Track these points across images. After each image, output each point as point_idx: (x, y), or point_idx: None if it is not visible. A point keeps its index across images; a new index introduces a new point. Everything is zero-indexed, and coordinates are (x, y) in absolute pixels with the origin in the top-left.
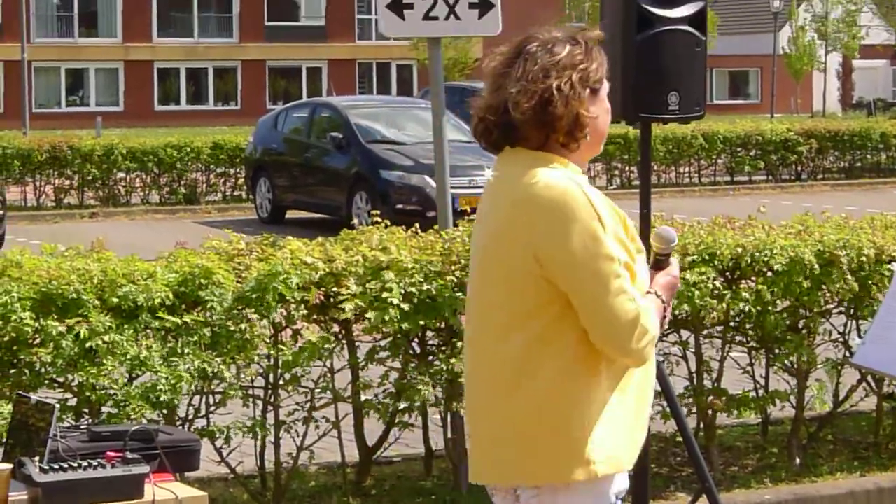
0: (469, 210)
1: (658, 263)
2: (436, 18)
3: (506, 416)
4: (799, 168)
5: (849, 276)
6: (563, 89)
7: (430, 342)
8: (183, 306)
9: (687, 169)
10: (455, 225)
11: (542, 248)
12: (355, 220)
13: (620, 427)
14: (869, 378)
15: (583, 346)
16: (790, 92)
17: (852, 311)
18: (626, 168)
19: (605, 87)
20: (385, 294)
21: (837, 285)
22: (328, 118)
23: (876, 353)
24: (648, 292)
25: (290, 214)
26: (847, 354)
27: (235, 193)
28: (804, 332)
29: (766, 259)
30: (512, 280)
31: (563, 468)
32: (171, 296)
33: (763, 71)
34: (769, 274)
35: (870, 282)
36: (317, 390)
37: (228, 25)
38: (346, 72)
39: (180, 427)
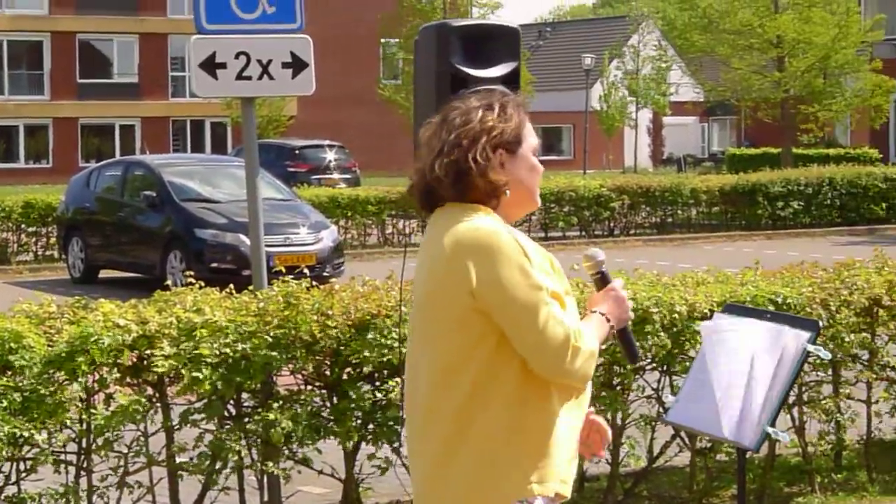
0: (284, 270)
1: (597, 284)
2: (249, 78)
3: (461, 454)
4: (612, 224)
5: (661, 333)
6: (478, 160)
7: (245, 404)
8: None
9: None
10: (270, 284)
11: (475, 281)
12: (169, 280)
13: (568, 449)
14: (682, 434)
15: (528, 373)
16: (602, 148)
17: (665, 367)
18: None
19: (529, 144)
20: (199, 355)
21: (651, 342)
22: (141, 176)
23: (689, 411)
24: (591, 312)
25: (104, 274)
26: (661, 410)
27: (47, 253)
28: (618, 388)
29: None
30: (451, 321)
31: (524, 489)
32: None
33: (576, 127)
34: None
35: (682, 338)
36: (130, 454)
37: (39, 82)
38: (160, 129)
39: None
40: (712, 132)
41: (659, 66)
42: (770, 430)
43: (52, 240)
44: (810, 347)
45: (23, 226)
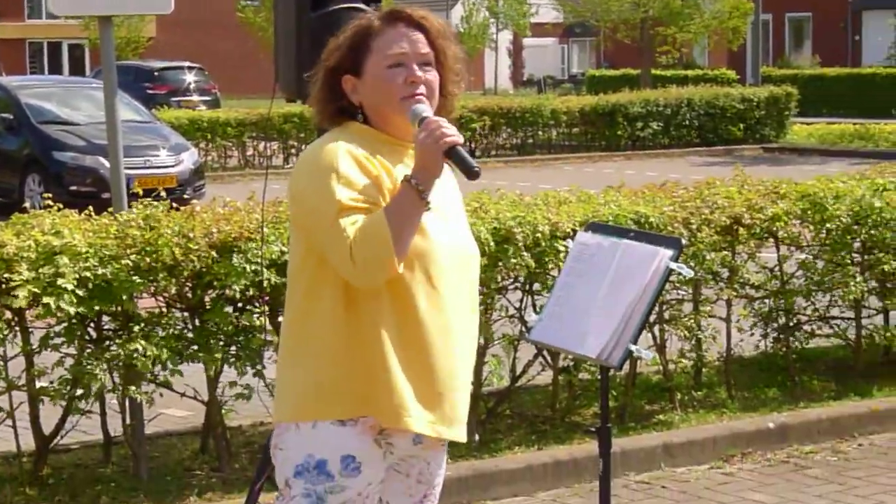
0: (141, 192)
1: None
2: None
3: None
4: (473, 145)
5: (524, 253)
6: (318, 92)
7: (106, 327)
8: None
9: None
10: (129, 207)
11: (290, 194)
12: (27, 203)
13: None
14: (545, 353)
15: (351, 292)
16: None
17: (528, 286)
18: (302, 146)
19: (376, 61)
20: (59, 280)
21: (514, 262)
22: None
23: (552, 330)
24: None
25: None
26: (523, 330)
27: None
28: (481, 308)
29: None
30: (292, 230)
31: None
32: None
33: None
34: None
35: (545, 258)
36: None
37: None
38: (17, 52)
39: None
40: (572, 54)
41: None
42: (633, 347)
43: None
44: (673, 265)
45: None
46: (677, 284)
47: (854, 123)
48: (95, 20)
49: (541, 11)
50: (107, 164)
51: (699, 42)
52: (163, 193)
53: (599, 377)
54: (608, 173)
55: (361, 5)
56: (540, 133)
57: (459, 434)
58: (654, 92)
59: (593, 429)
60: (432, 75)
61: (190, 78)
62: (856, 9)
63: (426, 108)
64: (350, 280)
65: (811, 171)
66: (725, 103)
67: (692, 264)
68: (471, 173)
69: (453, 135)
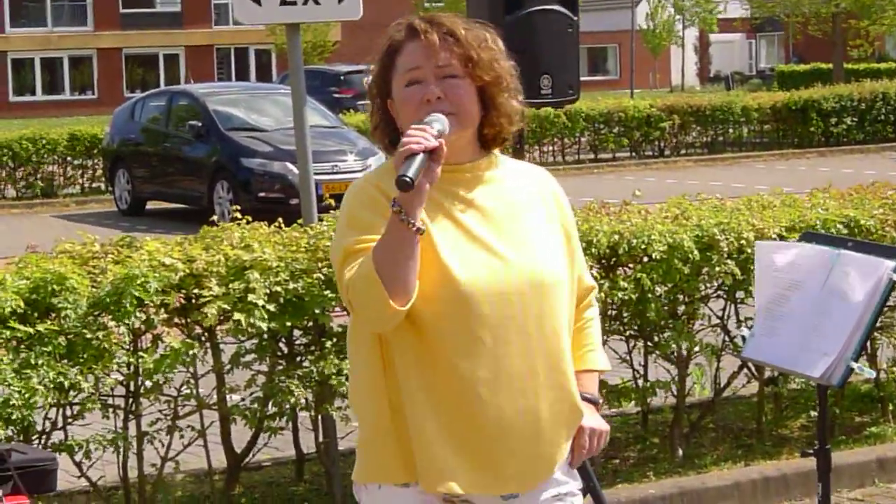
0: (331, 200)
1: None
2: (293, 3)
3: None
4: (662, 144)
5: (728, 261)
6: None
7: (298, 342)
8: (35, 314)
9: (550, 148)
10: (320, 220)
11: None
12: (216, 210)
13: (414, 436)
14: (749, 364)
15: (384, 347)
16: (648, 67)
17: (731, 295)
18: None
19: (399, 83)
20: (250, 295)
21: (717, 269)
22: (186, 106)
23: (766, 346)
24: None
25: (151, 205)
26: (725, 339)
27: (94, 185)
28: (684, 318)
29: (644, 246)
30: None
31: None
32: (21, 304)
33: (621, 47)
34: (647, 261)
35: (749, 265)
36: (180, 398)
37: (83, 13)
38: (204, 58)
39: (36, 443)
40: (760, 49)
41: None
42: (854, 364)
43: (99, 172)
44: None
45: (69, 158)
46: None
47: None
48: (282, 26)
49: (728, 7)
50: (294, 170)
51: (892, 34)
52: (331, 202)
53: (817, 394)
54: (802, 171)
55: (557, 6)
56: (731, 130)
57: (540, 480)
58: (847, 86)
59: (811, 451)
60: (458, 87)
61: None
62: None
63: (437, 120)
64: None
65: None
66: None
67: None
68: (398, 181)
69: (416, 142)
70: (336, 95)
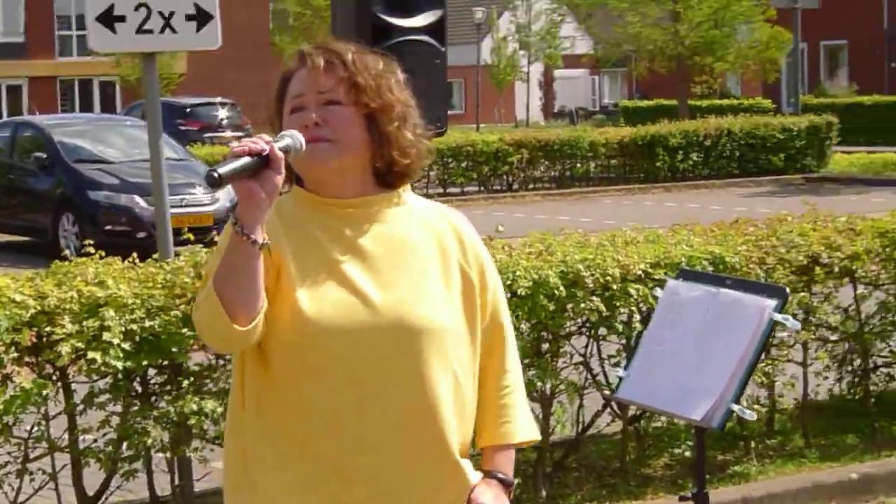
0: (192, 238)
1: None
2: (150, 32)
3: None
4: (510, 179)
5: (594, 297)
6: None
7: (153, 382)
8: None
9: None
10: (177, 255)
11: None
12: (62, 243)
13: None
14: (613, 402)
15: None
16: (493, 102)
17: (593, 332)
18: None
19: (286, 109)
20: (105, 333)
21: (582, 306)
22: (31, 137)
23: (642, 387)
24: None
25: None
26: (588, 376)
27: None
28: (548, 355)
29: (509, 282)
30: None
31: None
32: None
33: (466, 82)
34: (512, 297)
35: (615, 302)
36: (31, 440)
37: None
38: (48, 90)
39: None
40: (603, 85)
41: (552, 18)
42: (735, 407)
43: None
44: (778, 317)
45: None
46: None
47: (895, 152)
48: (127, 56)
49: (573, 45)
50: (142, 202)
51: (735, 72)
52: (190, 236)
53: (695, 436)
54: (648, 205)
55: (425, 37)
56: (578, 165)
57: None
58: (693, 123)
59: (689, 495)
60: (338, 113)
61: (222, 114)
62: (892, 35)
63: (288, 136)
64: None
65: (855, 201)
66: (766, 133)
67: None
68: (206, 175)
69: (241, 147)
70: (182, 128)
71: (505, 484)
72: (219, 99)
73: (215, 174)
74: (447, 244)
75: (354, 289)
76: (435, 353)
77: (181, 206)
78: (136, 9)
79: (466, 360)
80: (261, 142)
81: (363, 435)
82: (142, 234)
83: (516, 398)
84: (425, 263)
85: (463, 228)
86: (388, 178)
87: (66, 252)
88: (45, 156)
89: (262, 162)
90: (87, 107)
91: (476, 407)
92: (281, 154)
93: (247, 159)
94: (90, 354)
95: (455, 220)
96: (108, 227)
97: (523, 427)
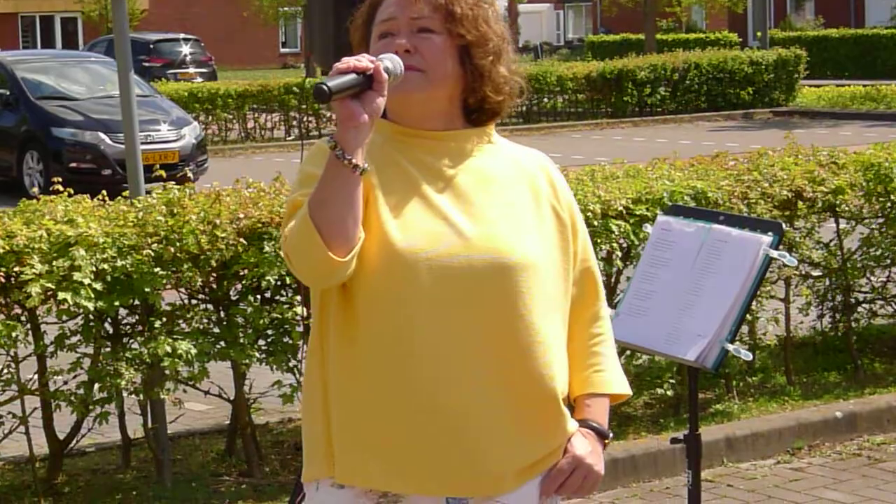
0: (164, 175)
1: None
2: None
3: None
4: None
5: None
6: None
7: (124, 320)
8: None
9: None
10: (148, 192)
11: None
12: (26, 182)
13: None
14: None
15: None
16: None
17: None
18: (304, 118)
19: (376, 32)
20: (75, 273)
21: None
22: None
23: (634, 327)
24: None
25: None
26: None
27: None
28: None
29: None
30: None
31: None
32: None
33: None
34: None
35: (597, 239)
36: (0, 383)
37: None
38: (9, 26)
39: None
40: (567, 19)
41: None
42: (730, 347)
43: None
44: (773, 253)
45: None
46: None
47: (863, 85)
48: None
49: None
50: (107, 139)
51: (702, 6)
52: (162, 173)
53: (688, 377)
54: (617, 140)
55: None
56: (545, 100)
57: (485, 489)
58: (660, 57)
59: (681, 437)
60: (431, 42)
61: (186, 50)
62: None
63: (387, 58)
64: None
65: (824, 134)
66: (733, 67)
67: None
68: (314, 88)
69: (346, 64)
70: (145, 64)
71: (601, 435)
72: (182, 35)
73: (325, 87)
74: (538, 184)
75: (446, 219)
76: (534, 291)
77: (146, 143)
78: None
79: (560, 300)
80: (365, 59)
81: (457, 375)
82: (107, 172)
83: (608, 347)
84: (518, 199)
85: (552, 171)
86: (477, 114)
87: (34, 190)
88: (8, 92)
89: (367, 82)
90: (48, 43)
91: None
92: (385, 75)
93: (353, 76)
94: (60, 295)
95: (544, 162)
96: (74, 165)
97: (617, 379)
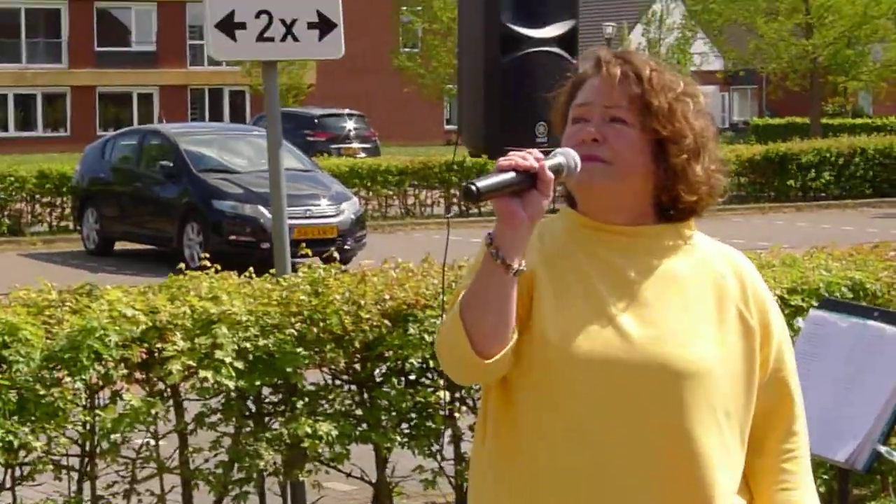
0: (310, 253)
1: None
2: (271, 40)
3: None
4: None
5: None
6: None
7: (267, 400)
8: None
9: None
10: (294, 271)
11: None
12: (186, 253)
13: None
14: None
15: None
16: None
17: None
18: None
19: (571, 117)
20: (216, 351)
21: None
22: (158, 146)
23: None
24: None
25: (119, 246)
26: None
27: (62, 224)
28: None
29: None
30: None
31: None
32: None
33: None
34: None
35: None
36: (139, 459)
37: (58, 50)
38: (178, 98)
39: None
40: (733, 102)
41: (684, 32)
42: (883, 449)
43: (67, 210)
44: None
45: (37, 196)
46: None
47: None
48: (258, 66)
49: (704, 61)
50: (266, 213)
51: (868, 91)
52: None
53: (839, 479)
54: (780, 225)
55: (557, 49)
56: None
57: None
58: (825, 141)
59: None
60: (620, 133)
61: (350, 125)
62: None
63: (562, 153)
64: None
65: None
66: None
67: None
68: (463, 187)
69: (508, 161)
70: (310, 139)
71: None
72: (347, 110)
73: (473, 187)
74: (726, 286)
75: (611, 320)
76: (699, 401)
77: (305, 218)
78: (258, 16)
79: (737, 412)
80: (530, 158)
81: (610, 485)
82: (266, 245)
83: (801, 465)
84: (697, 302)
85: (747, 272)
86: (671, 211)
87: (181, 265)
88: (171, 164)
89: (529, 181)
90: (216, 116)
91: (753, 472)
92: (551, 175)
93: (512, 174)
94: (201, 373)
95: (739, 262)
96: (233, 238)
97: (808, 499)
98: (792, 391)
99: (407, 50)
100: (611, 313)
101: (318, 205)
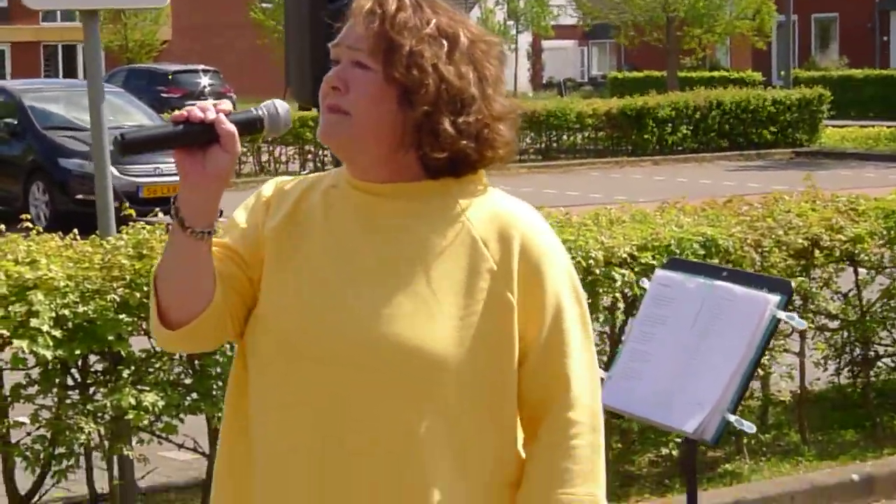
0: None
1: None
2: None
3: None
4: None
5: None
6: None
7: (93, 371)
8: None
9: None
10: (119, 231)
11: None
12: (32, 213)
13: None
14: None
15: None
16: None
17: None
18: (320, 152)
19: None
20: (32, 319)
21: None
22: (2, 103)
23: (625, 392)
24: None
25: None
26: None
27: None
28: None
29: None
30: None
31: None
32: None
33: None
34: None
35: (598, 288)
36: None
37: None
38: (31, 55)
39: None
40: (591, 56)
41: None
42: (732, 418)
43: None
44: (781, 315)
45: None
46: None
47: (887, 126)
48: (109, 21)
49: (563, 14)
50: (115, 171)
51: (723, 43)
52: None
53: (686, 448)
54: (637, 179)
55: None
56: (565, 137)
57: None
58: (682, 95)
59: None
60: (359, 80)
61: (205, 81)
62: (883, 9)
63: (266, 107)
64: None
65: (848, 176)
66: (756, 106)
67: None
68: (251, 125)
69: (181, 114)
70: (164, 95)
71: None
72: (201, 66)
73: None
74: (484, 255)
75: (324, 296)
76: (424, 393)
77: (154, 175)
78: None
79: (483, 400)
80: (210, 110)
81: (321, 484)
82: (114, 204)
83: (577, 461)
84: (442, 275)
85: (518, 236)
86: (434, 168)
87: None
88: (15, 122)
89: (208, 135)
90: (70, 73)
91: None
92: (231, 128)
93: (179, 127)
94: (16, 342)
95: (513, 224)
96: (80, 196)
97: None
98: (567, 373)
99: (263, 5)
100: (327, 288)
101: (168, 162)
